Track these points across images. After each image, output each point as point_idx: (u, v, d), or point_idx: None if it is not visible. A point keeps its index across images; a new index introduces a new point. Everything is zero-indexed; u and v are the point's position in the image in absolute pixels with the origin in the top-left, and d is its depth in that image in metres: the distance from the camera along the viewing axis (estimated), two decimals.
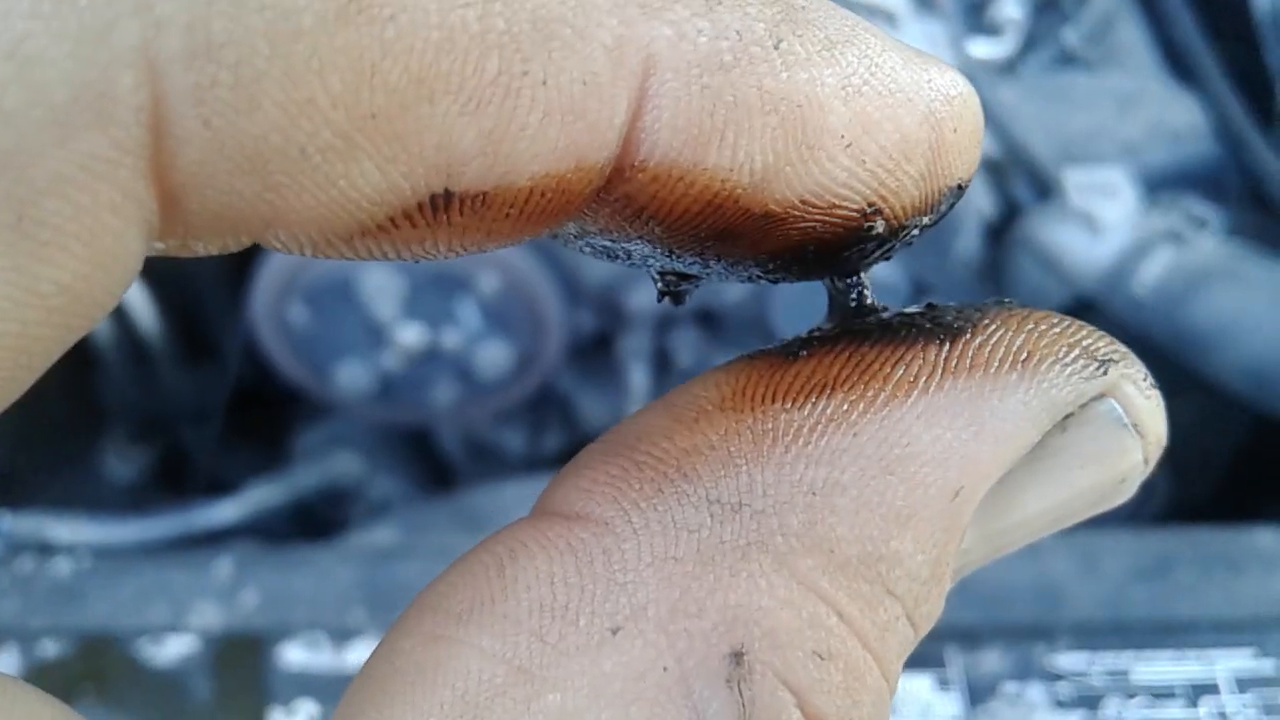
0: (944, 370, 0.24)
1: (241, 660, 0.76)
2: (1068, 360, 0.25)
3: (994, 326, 0.25)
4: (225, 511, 1.17)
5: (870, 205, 0.25)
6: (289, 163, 0.20)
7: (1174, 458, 1.14)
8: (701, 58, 0.22)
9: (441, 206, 0.21)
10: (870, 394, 0.24)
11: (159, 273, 1.36)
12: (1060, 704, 0.72)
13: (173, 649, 0.77)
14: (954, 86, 0.26)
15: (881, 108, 0.24)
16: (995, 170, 1.27)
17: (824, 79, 0.24)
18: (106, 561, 0.84)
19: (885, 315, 0.27)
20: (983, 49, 1.37)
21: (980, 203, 1.25)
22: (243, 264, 1.22)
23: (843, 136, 0.24)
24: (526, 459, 1.34)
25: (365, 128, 0.20)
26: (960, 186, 0.26)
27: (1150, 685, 0.73)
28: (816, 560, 0.23)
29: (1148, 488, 0.91)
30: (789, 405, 0.24)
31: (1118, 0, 1.40)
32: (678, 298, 0.30)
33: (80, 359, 1.38)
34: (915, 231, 0.26)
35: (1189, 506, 1.24)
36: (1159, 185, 1.24)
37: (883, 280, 1.21)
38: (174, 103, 0.19)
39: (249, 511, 1.18)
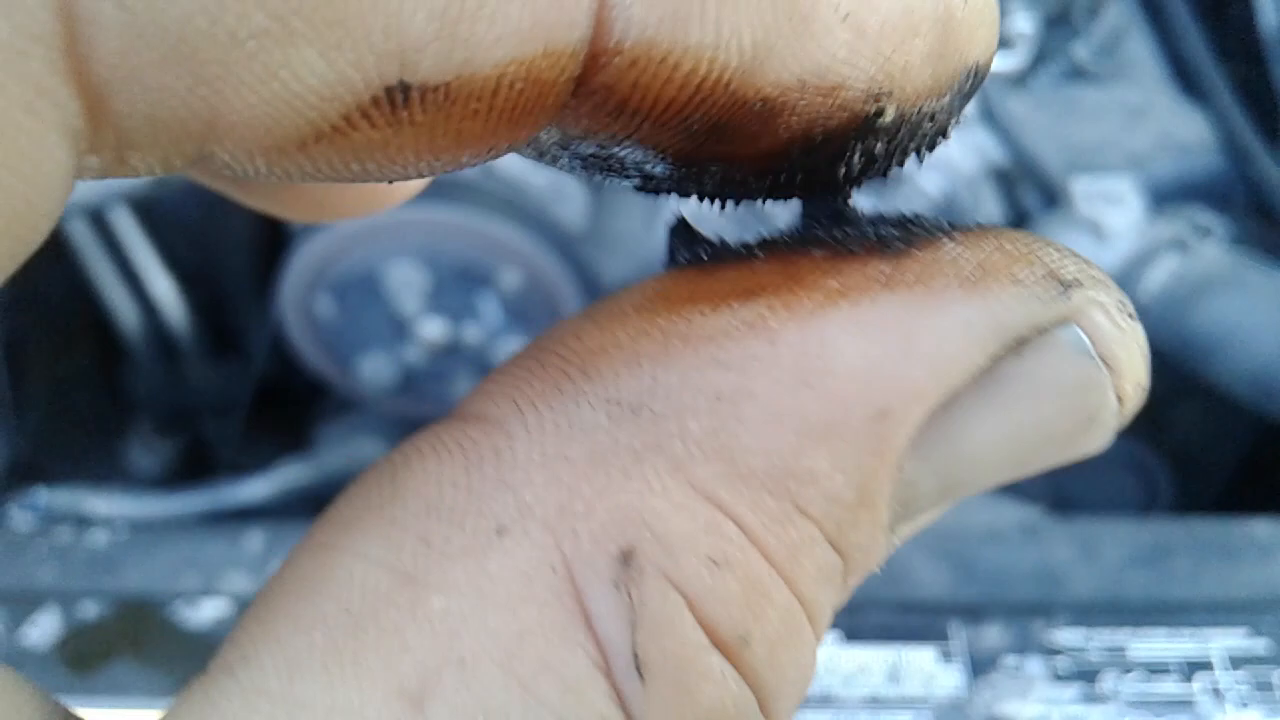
0: (881, 284, 0.22)
1: None
2: (1024, 279, 0.22)
3: (948, 243, 0.23)
4: (254, 488, 1.20)
5: (877, 84, 0.22)
6: (220, 50, 0.18)
7: (1179, 462, 1.16)
8: None
9: (400, 102, 0.19)
10: (795, 302, 0.22)
11: (187, 266, 1.39)
12: (1059, 677, 0.75)
13: (207, 611, 0.80)
14: None
15: None
16: (1005, 179, 1.29)
17: None
18: (141, 533, 0.88)
19: (836, 229, 0.25)
20: (994, 62, 1.39)
21: (989, 210, 1.28)
22: (271, 257, 1.25)
23: (838, 7, 0.21)
24: None
25: (302, 8, 0.18)
26: (977, 69, 0.24)
27: (1146, 661, 0.76)
28: (716, 469, 0.21)
29: (1152, 490, 0.93)
30: (706, 309, 0.22)
31: (1127, 16, 1.43)
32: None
33: (108, 351, 1.41)
34: (928, 122, 0.24)
35: (1194, 508, 1.26)
36: (1165, 196, 1.27)
37: None
38: None
39: (277, 489, 1.21)
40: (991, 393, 0.22)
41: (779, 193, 0.26)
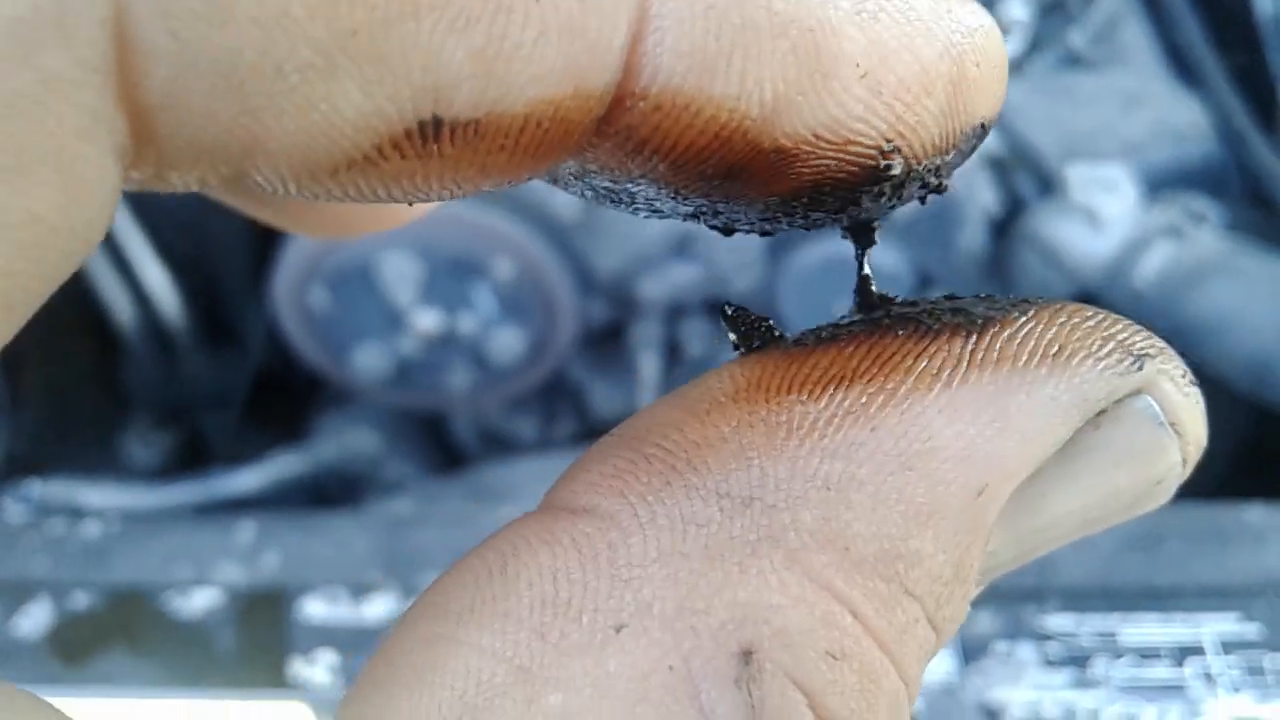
0: (969, 363, 0.23)
1: (264, 612, 0.79)
2: (1101, 354, 0.23)
3: (1023, 319, 0.24)
4: (246, 479, 1.20)
5: (888, 141, 0.23)
6: (265, 82, 0.18)
7: None
8: None
9: (431, 135, 0.20)
10: (890, 386, 0.23)
11: (181, 258, 1.39)
12: (1050, 663, 0.75)
13: (198, 602, 0.80)
14: (975, 19, 0.24)
15: (899, 36, 0.23)
16: (1000, 166, 1.29)
17: (837, 2, 0.22)
18: (133, 525, 0.88)
19: (907, 308, 0.25)
20: None
21: (985, 197, 1.28)
22: (265, 249, 1.25)
23: (858, 65, 0.22)
24: (538, 446, 1.37)
25: (346, 45, 0.19)
26: (984, 126, 0.25)
27: (1137, 646, 0.75)
28: (830, 557, 0.21)
29: None
30: (805, 397, 0.23)
31: (1122, 3, 1.43)
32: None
33: (103, 344, 1.41)
34: (933, 176, 0.25)
35: (1189, 494, 1.26)
36: (1160, 183, 1.26)
37: (886, 270, 1.23)
38: (139, 14, 0.18)
39: (270, 480, 1.21)
40: (1070, 462, 0.23)
41: (788, 226, 0.26)
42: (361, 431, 1.31)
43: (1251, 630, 0.76)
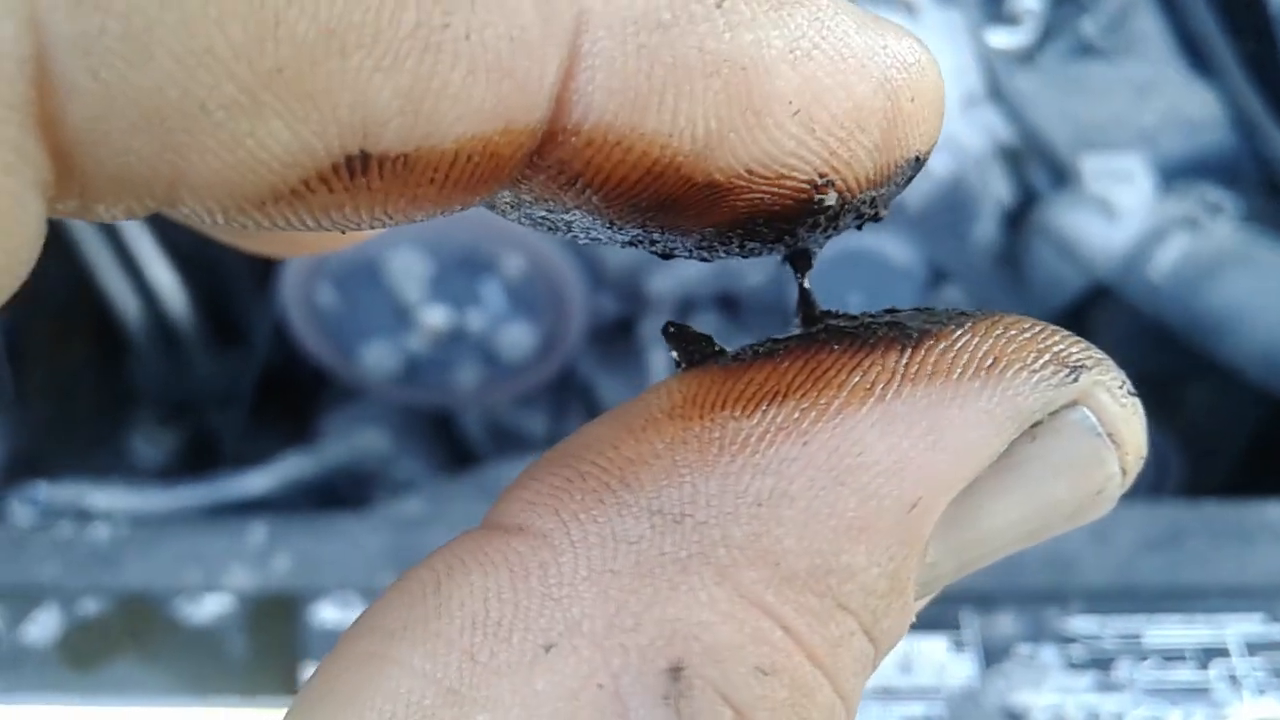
0: (903, 377, 0.23)
1: (275, 618, 0.78)
2: (1036, 366, 0.23)
3: (959, 332, 0.24)
4: (256, 481, 1.19)
5: (821, 176, 0.23)
6: (189, 120, 0.18)
7: (1189, 441, 1.15)
8: (638, 15, 0.21)
9: (359, 169, 0.20)
10: (824, 402, 0.23)
11: (188, 256, 1.38)
12: (1073, 665, 0.74)
13: (209, 608, 0.79)
14: (912, 53, 0.24)
15: (833, 73, 0.23)
16: (1013, 158, 1.28)
17: (770, 41, 0.22)
18: (142, 528, 0.87)
19: (845, 323, 0.26)
20: (1001, 39, 1.38)
21: (998, 189, 1.27)
22: None
23: (790, 103, 0.22)
24: (547, 442, 1.36)
25: (271, 83, 0.19)
26: (918, 159, 0.25)
27: (1161, 648, 0.75)
28: (761, 573, 0.21)
29: (1162, 471, 0.92)
30: (738, 413, 0.23)
31: None
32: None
33: (110, 342, 1.40)
34: (868, 207, 0.25)
35: (1205, 489, 1.25)
36: (1175, 173, 1.25)
37: (900, 266, 1.22)
38: (59, 53, 0.18)
39: (279, 482, 1.20)
40: (1007, 474, 0.24)
41: (723, 254, 0.26)
42: (371, 431, 1.30)
43: (1276, 631, 0.75)
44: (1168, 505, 0.86)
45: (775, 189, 0.23)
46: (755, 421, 0.23)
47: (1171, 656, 0.74)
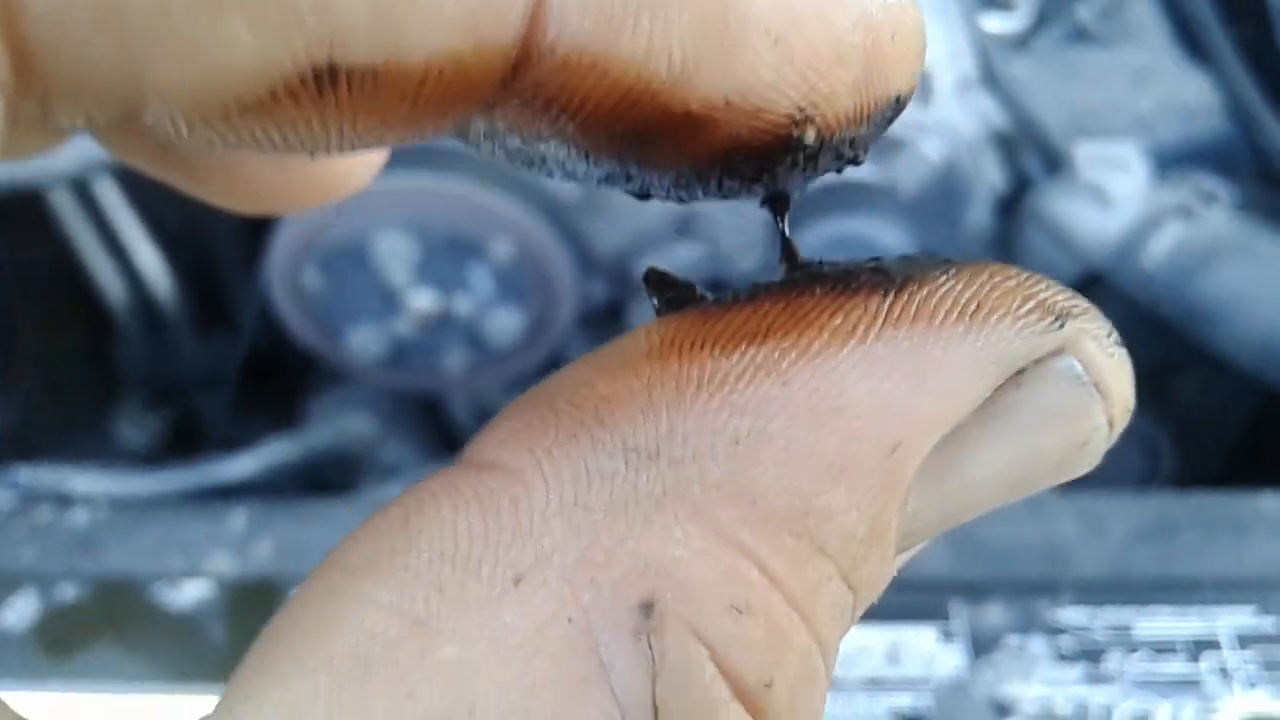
0: (885, 320, 0.23)
1: (256, 605, 0.77)
2: (1021, 312, 0.23)
3: (943, 278, 0.24)
4: (239, 466, 1.18)
5: (800, 111, 0.23)
6: (149, 18, 0.18)
7: (1183, 431, 1.15)
8: None
9: (328, 82, 0.20)
10: (804, 342, 0.22)
11: (173, 237, 1.37)
12: (1062, 657, 0.73)
13: (189, 593, 0.78)
14: None
15: (811, 3, 0.22)
16: (1006, 143, 1.27)
17: None
18: (123, 512, 0.86)
19: (828, 268, 0.25)
20: (995, 23, 1.37)
21: (991, 175, 1.26)
22: (258, 228, 1.23)
23: (768, 30, 0.22)
24: None
25: None
26: (899, 99, 0.25)
27: (1152, 640, 0.74)
28: (737, 511, 0.21)
29: (1155, 460, 0.92)
30: (717, 352, 0.23)
31: None
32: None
33: (95, 325, 1.39)
34: (848, 148, 0.25)
35: (1197, 479, 1.25)
36: (1170, 161, 1.25)
37: (892, 251, 1.21)
38: None
39: (263, 467, 1.19)
40: (991, 422, 0.23)
41: (701, 194, 0.26)
42: (357, 415, 1.29)
43: (1268, 624, 0.74)
44: (1160, 496, 0.85)
45: (754, 122, 0.23)
46: (734, 361, 0.22)
47: (1162, 649, 0.73)
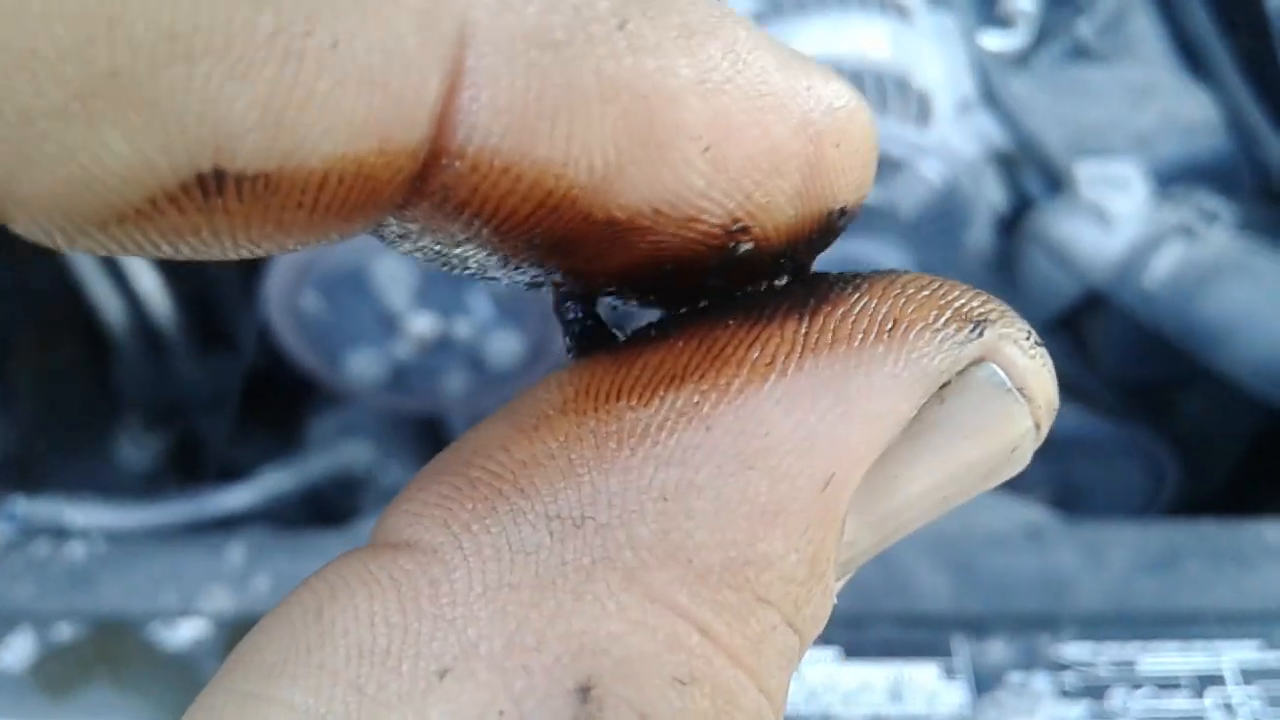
0: (803, 348, 0.22)
1: None
2: (938, 325, 0.22)
3: (856, 295, 0.23)
4: (238, 497, 1.18)
5: (735, 222, 0.22)
6: (11, 129, 0.17)
7: (1185, 450, 1.14)
8: (528, 31, 0.19)
9: (214, 189, 0.18)
10: (723, 382, 0.21)
11: (174, 261, 1.37)
12: (1066, 694, 0.73)
13: (185, 632, 0.78)
14: (839, 97, 0.23)
15: (747, 110, 0.21)
16: (1006, 163, 1.27)
17: (678, 69, 0.20)
18: (120, 546, 0.85)
19: (739, 294, 0.24)
20: (995, 41, 1.36)
21: (991, 195, 1.25)
22: None
23: (700, 138, 0.21)
24: None
25: (105, 89, 0.17)
26: (843, 210, 0.24)
27: (1156, 676, 0.73)
28: (672, 572, 0.20)
29: (1159, 479, 0.91)
30: (634, 402, 0.22)
31: None
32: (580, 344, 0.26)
33: (96, 347, 1.39)
34: (789, 261, 0.24)
35: (1200, 499, 1.24)
36: (1171, 178, 1.24)
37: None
38: None
39: (261, 497, 1.19)
40: (918, 440, 0.23)
41: (633, 308, 0.25)
42: (355, 441, 1.28)
43: (1273, 658, 0.73)
44: (1164, 525, 0.85)
45: (684, 232, 0.22)
46: (653, 410, 0.21)
47: (1166, 684, 0.73)
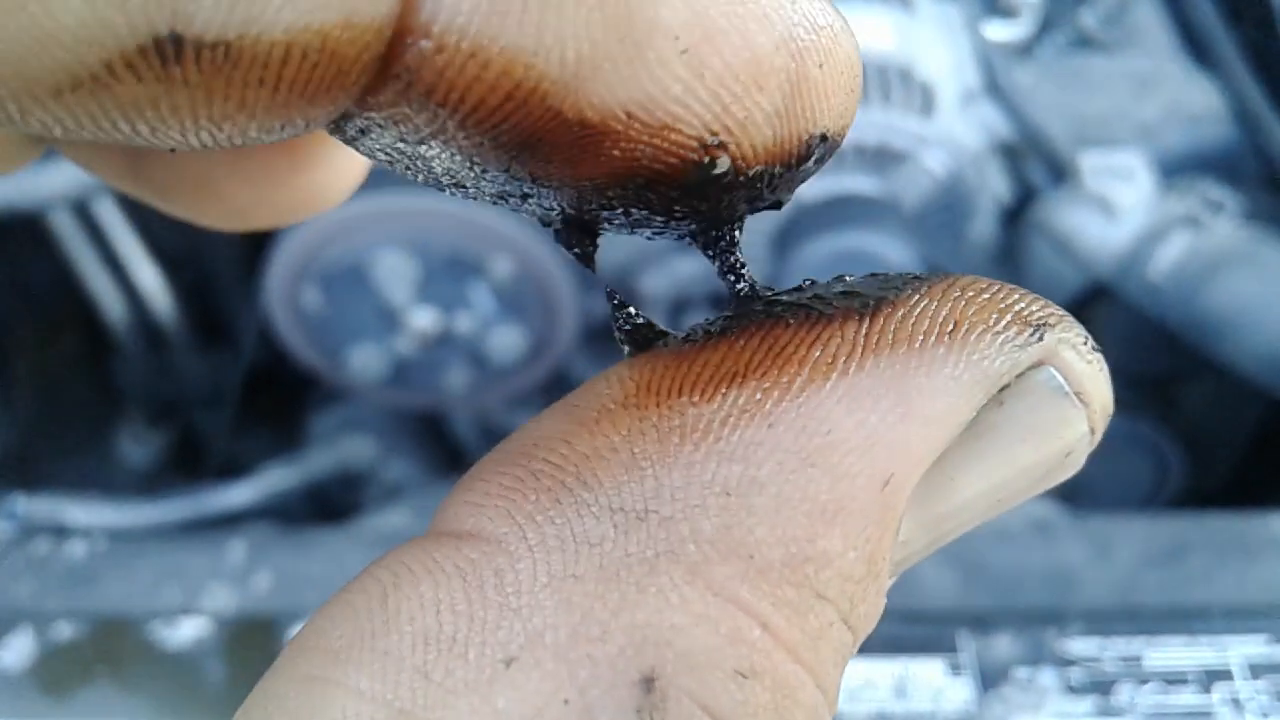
0: (864, 348, 0.22)
1: (254, 642, 0.76)
2: (999, 328, 0.22)
3: (916, 297, 0.23)
4: (239, 494, 1.17)
5: (712, 134, 0.21)
6: None
7: (1190, 442, 1.14)
8: None
9: (171, 56, 0.17)
10: (785, 380, 0.22)
11: (173, 256, 1.37)
12: (1072, 689, 0.72)
13: (186, 631, 0.78)
14: (824, 15, 0.22)
15: (729, 15, 0.21)
16: (1010, 153, 1.26)
17: None
18: (121, 544, 0.85)
19: (795, 294, 0.24)
20: (999, 31, 1.36)
21: (995, 186, 1.25)
22: (257, 247, 1.22)
23: (678, 38, 0.20)
24: None
25: None
26: (824, 137, 0.23)
27: (1163, 671, 0.73)
28: (734, 567, 0.20)
29: (1163, 470, 0.90)
30: (697, 398, 0.22)
31: None
32: (584, 259, 0.26)
33: (96, 343, 1.39)
34: (766, 188, 0.23)
35: (1205, 491, 1.24)
36: (1175, 169, 1.24)
37: (897, 267, 1.20)
38: None
39: (263, 494, 1.18)
40: (976, 442, 0.23)
41: (603, 227, 0.25)
42: (358, 438, 1.28)
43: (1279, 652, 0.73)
44: (1168, 519, 0.84)
45: (658, 142, 0.21)
46: (716, 406, 0.21)
47: (1173, 679, 0.72)
